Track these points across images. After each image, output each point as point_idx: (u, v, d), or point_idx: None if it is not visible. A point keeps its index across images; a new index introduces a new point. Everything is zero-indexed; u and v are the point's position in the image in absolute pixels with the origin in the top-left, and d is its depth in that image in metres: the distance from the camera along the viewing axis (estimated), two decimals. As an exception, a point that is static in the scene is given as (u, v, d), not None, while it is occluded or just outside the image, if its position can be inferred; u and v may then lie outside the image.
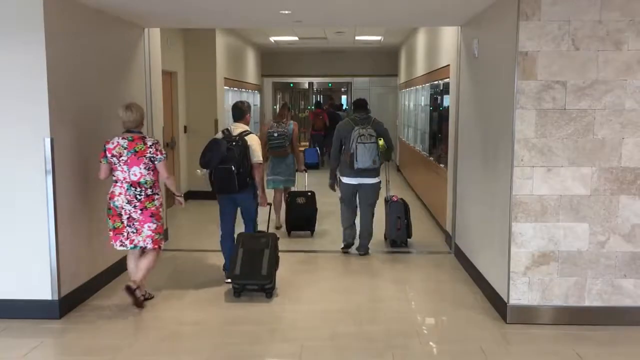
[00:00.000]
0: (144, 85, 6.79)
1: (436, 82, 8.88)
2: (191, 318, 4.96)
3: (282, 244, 5.83)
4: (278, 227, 7.93)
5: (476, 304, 5.24)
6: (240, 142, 5.52)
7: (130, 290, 4.95)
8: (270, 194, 6.51)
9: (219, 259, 6.13)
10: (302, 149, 8.43)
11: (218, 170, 5.47)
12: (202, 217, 8.72)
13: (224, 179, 5.46)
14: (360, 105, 6.86)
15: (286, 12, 6.00)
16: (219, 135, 5.70)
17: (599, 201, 4.60)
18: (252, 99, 14.29)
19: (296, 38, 12.31)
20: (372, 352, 4.31)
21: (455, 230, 6.83)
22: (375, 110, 14.44)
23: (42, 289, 4.80)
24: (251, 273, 5.32)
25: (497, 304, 4.98)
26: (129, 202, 4.90)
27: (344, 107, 19.38)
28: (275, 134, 7.67)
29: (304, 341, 4.43)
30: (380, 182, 6.77)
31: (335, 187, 6.99)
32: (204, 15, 6.35)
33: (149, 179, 4.94)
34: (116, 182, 4.94)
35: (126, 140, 4.90)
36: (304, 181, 8.37)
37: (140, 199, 4.91)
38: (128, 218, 4.93)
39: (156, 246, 5.04)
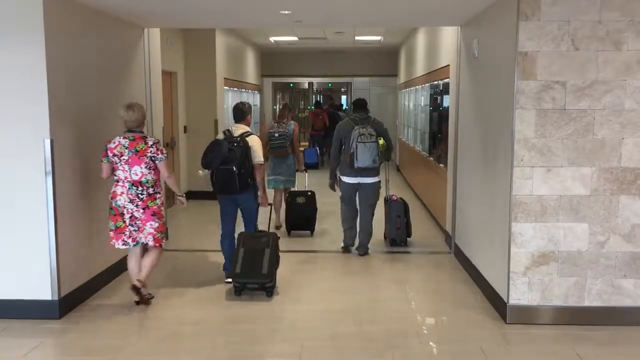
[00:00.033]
0: (143, 86, 6.79)
1: (436, 82, 8.88)
2: (191, 318, 4.96)
3: (282, 243, 5.84)
4: (278, 227, 7.93)
5: (476, 304, 5.24)
6: (242, 143, 5.55)
7: (136, 290, 5.02)
8: (270, 193, 6.53)
9: (219, 259, 6.14)
10: (302, 149, 8.44)
11: (219, 171, 5.49)
12: (202, 217, 8.72)
13: (225, 179, 5.48)
14: (359, 105, 6.89)
15: (286, 12, 6.01)
16: (220, 136, 5.73)
17: (598, 201, 4.60)
18: (252, 99, 14.29)
19: (296, 38, 12.31)
20: (372, 352, 4.31)
21: (455, 230, 6.84)
22: (375, 111, 14.51)
23: (42, 289, 4.80)
24: (252, 272, 5.35)
25: (497, 304, 4.98)
26: (131, 201, 4.91)
27: (343, 107, 19.39)
28: (276, 134, 7.69)
29: (304, 341, 4.43)
30: (379, 181, 6.79)
31: (336, 187, 7.00)
32: (204, 15, 6.35)
33: (150, 178, 4.96)
34: (118, 181, 4.95)
35: (127, 140, 4.92)
36: (304, 181, 8.38)
37: (142, 198, 4.93)
38: (130, 217, 4.94)
39: (157, 244, 5.06)
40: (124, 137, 4.94)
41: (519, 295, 4.70)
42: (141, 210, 4.94)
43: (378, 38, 12.44)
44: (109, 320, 4.87)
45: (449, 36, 7.41)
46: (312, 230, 7.82)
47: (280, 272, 5.70)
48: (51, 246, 4.76)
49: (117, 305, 5.16)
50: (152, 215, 4.98)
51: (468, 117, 6.30)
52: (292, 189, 8.04)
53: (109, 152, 4.91)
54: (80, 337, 4.56)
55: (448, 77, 7.51)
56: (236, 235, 5.73)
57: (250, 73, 14.12)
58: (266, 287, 5.37)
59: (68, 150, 4.99)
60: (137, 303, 5.12)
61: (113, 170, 4.96)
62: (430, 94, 9.54)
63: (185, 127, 10.13)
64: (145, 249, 5.18)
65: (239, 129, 5.73)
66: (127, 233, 4.97)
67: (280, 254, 5.66)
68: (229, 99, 11.62)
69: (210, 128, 10.12)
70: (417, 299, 5.58)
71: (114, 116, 5.81)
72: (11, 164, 4.73)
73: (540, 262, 4.67)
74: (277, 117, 8.34)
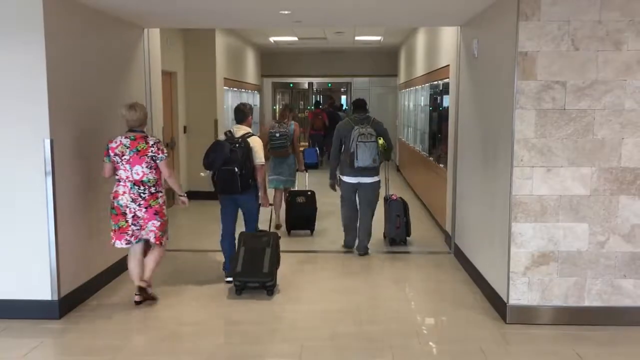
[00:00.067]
0: (143, 86, 6.79)
1: (436, 83, 8.88)
2: (191, 318, 4.96)
3: (282, 243, 5.85)
4: (278, 227, 7.94)
5: (476, 304, 5.24)
6: (243, 144, 5.58)
7: (142, 290, 5.14)
8: (270, 193, 6.55)
9: (219, 259, 6.14)
10: (302, 149, 8.48)
11: (221, 171, 5.52)
12: (202, 217, 8.72)
13: (227, 180, 5.51)
14: (359, 105, 6.93)
15: (286, 12, 6.01)
16: (222, 137, 5.76)
17: (598, 201, 4.60)
18: (252, 99, 14.30)
19: (296, 38, 12.31)
20: (372, 352, 4.31)
21: (454, 230, 6.84)
22: (374, 111, 14.51)
23: (42, 289, 4.80)
24: (253, 271, 5.38)
25: (497, 304, 4.98)
26: (133, 201, 4.93)
27: (343, 107, 19.40)
28: (277, 134, 7.72)
29: (304, 341, 4.43)
30: (379, 181, 6.81)
31: (336, 186, 7.02)
32: (204, 15, 6.35)
33: (151, 178, 4.97)
34: (119, 181, 4.96)
35: (129, 140, 4.93)
36: (304, 181, 8.40)
37: (144, 197, 4.94)
38: (133, 216, 4.96)
39: (158, 242, 5.09)
40: (126, 137, 4.96)
41: (518, 295, 4.71)
42: (143, 210, 4.95)
43: (378, 38, 12.44)
44: (109, 320, 4.87)
45: (449, 36, 7.41)
46: (312, 229, 7.83)
47: (281, 272, 5.71)
48: (51, 246, 4.76)
49: (117, 305, 5.17)
50: (155, 214, 5.00)
51: (468, 117, 6.30)
52: (292, 189, 8.06)
53: (110, 151, 4.92)
54: (80, 337, 4.56)
55: (448, 77, 7.52)
56: (236, 235, 5.75)
57: (250, 73, 14.12)
58: (267, 286, 5.39)
59: (68, 150, 4.99)
60: (137, 303, 5.13)
61: (115, 169, 4.97)
62: (430, 94, 9.54)
63: (185, 127, 10.13)
64: (146, 249, 5.20)
65: (240, 130, 5.75)
66: (130, 232, 4.99)
67: (280, 253, 5.66)
68: (229, 99, 11.62)
69: (210, 128, 10.12)
70: (417, 299, 5.58)
71: (114, 116, 5.82)
72: (11, 164, 4.73)
73: (540, 262, 4.67)
74: (278, 117, 8.36)
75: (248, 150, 5.57)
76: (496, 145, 5.09)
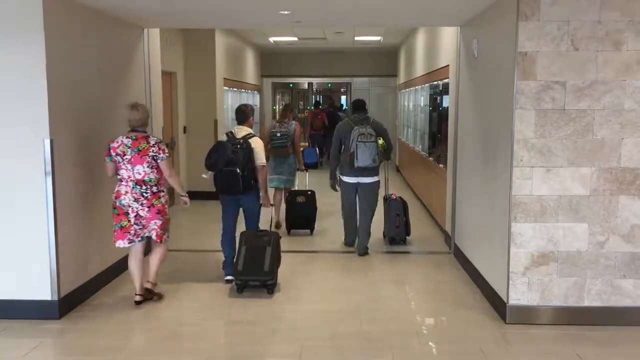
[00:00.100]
0: (143, 86, 6.79)
1: (436, 83, 8.89)
2: (191, 318, 4.96)
3: (282, 243, 5.85)
4: (278, 226, 7.96)
5: (475, 304, 5.25)
6: (245, 145, 5.61)
7: (149, 291, 5.23)
8: (270, 192, 6.57)
9: (218, 259, 6.14)
10: (302, 149, 8.52)
11: (223, 172, 5.55)
12: (202, 217, 8.72)
13: (229, 181, 5.54)
14: (359, 106, 6.97)
15: (286, 12, 6.01)
16: (223, 137, 5.78)
17: (598, 201, 4.61)
18: (252, 99, 14.30)
19: (295, 38, 12.32)
20: (372, 352, 4.32)
21: (454, 230, 6.84)
22: (374, 111, 14.53)
23: (42, 289, 4.80)
24: (254, 269, 5.41)
25: (497, 304, 4.99)
26: (136, 200, 4.95)
27: (343, 108, 19.40)
28: (278, 134, 7.76)
29: (304, 341, 4.43)
30: (379, 181, 6.83)
31: (336, 187, 7.04)
32: (204, 16, 6.35)
33: (153, 177, 4.99)
34: (121, 180, 4.98)
35: (130, 139, 4.95)
36: (304, 180, 8.41)
37: (147, 197, 4.96)
38: (135, 216, 4.98)
39: (159, 240, 5.12)
40: (127, 137, 4.98)
41: (518, 295, 4.71)
42: (146, 209, 4.98)
43: (378, 38, 12.44)
44: (109, 320, 4.87)
45: (449, 36, 7.41)
46: (311, 229, 7.85)
47: (281, 272, 5.72)
48: (51, 246, 4.76)
49: (117, 305, 5.17)
50: (157, 213, 5.03)
51: (468, 117, 6.30)
52: (293, 189, 8.08)
53: (111, 151, 4.94)
54: (80, 337, 4.56)
55: (448, 78, 7.52)
56: (237, 235, 5.77)
57: (250, 73, 14.12)
58: (267, 285, 5.42)
59: (68, 150, 4.99)
60: (137, 303, 5.13)
61: (116, 169, 4.98)
62: (430, 94, 9.55)
63: (185, 128, 10.14)
64: (146, 248, 5.21)
65: (241, 131, 5.78)
66: (133, 231, 5.00)
67: (281, 253, 5.68)
68: (229, 99, 11.62)
69: (210, 128, 10.12)
70: (417, 299, 5.58)
71: (113, 116, 5.83)
72: (11, 164, 4.73)
73: (540, 262, 4.68)
74: (278, 117, 8.40)
75: (249, 151, 5.60)
76: (496, 146, 5.09)
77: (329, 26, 10.28)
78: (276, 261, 5.56)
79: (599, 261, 4.65)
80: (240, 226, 5.92)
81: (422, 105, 10.57)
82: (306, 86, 20.76)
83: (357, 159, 6.50)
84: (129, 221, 4.98)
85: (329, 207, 8.59)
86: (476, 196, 5.85)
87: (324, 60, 15.81)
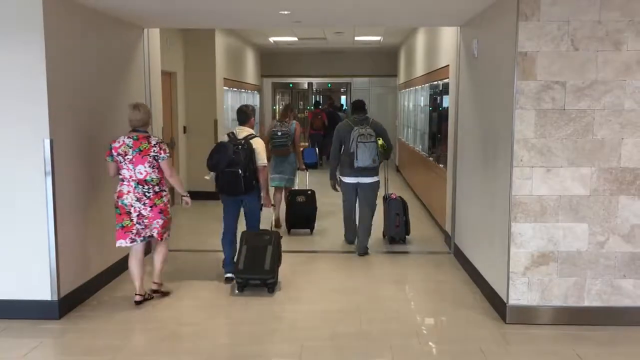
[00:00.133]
0: (143, 86, 6.79)
1: (435, 83, 8.89)
2: (191, 318, 4.96)
3: (283, 243, 5.86)
4: (278, 225, 7.98)
5: (475, 304, 5.25)
6: (246, 145, 5.63)
7: (155, 292, 5.32)
8: (270, 191, 6.60)
9: (219, 259, 6.14)
10: (301, 149, 8.56)
11: (225, 173, 5.57)
12: (202, 217, 8.72)
13: (230, 182, 5.57)
14: (358, 106, 7.01)
15: (286, 12, 6.01)
16: (225, 138, 5.79)
17: (598, 201, 4.60)
18: (252, 99, 14.30)
19: (295, 38, 12.32)
20: (372, 352, 4.32)
21: (454, 230, 6.84)
22: (374, 111, 14.54)
23: (42, 289, 4.80)
24: (254, 268, 5.43)
25: (497, 304, 4.99)
26: (138, 200, 4.96)
27: (343, 108, 19.41)
28: (279, 133, 7.82)
29: (304, 341, 4.43)
30: (378, 181, 6.86)
31: (337, 187, 7.06)
32: (204, 16, 6.35)
33: (154, 177, 5.01)
34: (123, 180, 4.99)
35: (131, 139, 4.98)
36: (304, 180, 8.42)
37: (149, 196, 4.98)
38: (138, 215, 4.99)
39: (160, 238, 5.16)
40: (128, 137, 4.99)
41: (518, 295, 4.71)
42: (149, 209, 5.00)
43: (377, 38, 12.44)
44: (109, 320, 4.87)
45: (449, 36, 7.41)
46: (311, 228, 7.86)
47: (281, 272, 5.72)
48: (51, 246, 4.76)
49: (117, 306, 5.17)
50: (159, 212, 5.06)
51: (468, 117, 6.31)
52: (293, 188, 8.10)
53: (113, 151, 4.96)
54: (80, 337, 4.56)
55: (448, 78, 7.52)
56: (238, 234, 5.80)
57: (250, 73, 14.12)
58: (268, 283, 5.44)
59: (68, 150, 4.99)
60: (137, 303, 5.13)
61: (118, 169, 4.99)
62: (430, 94, 9.55)
63: (184, 128, 10.14)
64: (146, 248, 5.22)
65: (243, 132, 5.80)
66: (135, 231, 5.02)
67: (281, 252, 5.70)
68: (229, 99, 11.62)
69: (209, 128, 10.12)
70: (417, 299, 5.58)
71: (113, 116, 5.83)
72: (11, 164, 4.73)
73: (540, 262, 4.68)
74: (279, 116, 8.46)
75: (251, 152, 5.62)
76: (496, 146, 5.09)
77: (329, 26, 10.28)
78: (277, 260, 5.59)
79: (599, 261, 4.65)
80: (241, 226, 5.92)
81: (422, 105, 10.57)
82: (306, 86, 20.76)
83: (357, 159, 6.54)
84: (131, 220, 4.99)
85: (329, 206, 8.60)
86: (476, 196, 5.85)
87: (324, 60, 15.82)
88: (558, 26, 4.48)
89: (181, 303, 5.29)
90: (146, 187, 4.98)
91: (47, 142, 4.67)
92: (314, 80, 19.93)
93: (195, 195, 9.99)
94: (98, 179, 5.45)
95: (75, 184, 5.12)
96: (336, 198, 7.17)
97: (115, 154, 4.95)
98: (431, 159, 9.14)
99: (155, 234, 5.12)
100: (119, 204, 4.98)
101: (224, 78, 10.99)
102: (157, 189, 5.04)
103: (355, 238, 7.01)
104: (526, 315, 4.72)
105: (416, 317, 5.07)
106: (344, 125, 6.84)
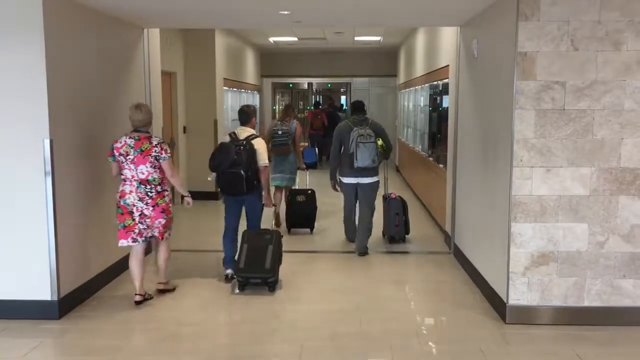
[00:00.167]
0: (143, 86, 6.79)
1: (435, 83, 8.89)
2: (191, 318, 4.96)
3: (283, 242, 5.87)
4: (277, 224, 7.99)
5: (475, 304, 5.25)
6: (248, 146, 5.65)
7: (160, 291, 5.39)
8: (271, 190, 6.62)
9: (219, 259, 6.14)
10: (301, 148, 8.61)
11: (227, 174, 5.59)
12: (202, 216, 8.72)
13: (233, 182, 5.60)
14: (358, 107, 7.04)
15: (285, 12, 6.01)
16: (227, 138, 5.81)
17: (598, 201, 4.61)
18: (252, 99, 14.30)
19: (295, 38, 12.32)
20: (372, 352, 4.32)
21: (454, 230, 6.84)
22: (374, 111, 14.52)
23: (42, 289, 4.80)
24: (255, 267, 5.46)
25: (497, 304, 4.99)
26: (140, 200, 4.98)
27: (343, 108, 19.41)
28: (280, 132, 7.86)
29: (304, 341, 4.43)
30: (378, 181, 6.88)
31: (337, 187, 7.08)
32: (204, 16, 6.35)
33: (156, 177, 5.03)
34: (125, 180, 5.01)
35: (133, 140, 5.00)
36: (304, 179, 8.43)
37: (151, 196, 5.01)
38: (140, 215, 5.01)
39: (161, 237, 5.19)
40: (130, 137, 5.01)
41: (518, 295, 4.71)
42: (151, 208, 5.02)
43: (377, 38, 12.44)
44: (109, 320, 4.87)
45: (449, 36, 7.41)
46: (311, 228, 7.87)
47: (281, 272, 5.73)
48: (51, 246, 4.76)
49: (117, 306, 5.17)
50: (162, 212, 5.09)
51: (467, 117, 6.31)
52: (293, 187, 8.13)
53: (115, 151, 4.98)
54: (80, 337, 4.56)
55: (447, 78, 7.52)
56: (239, 233, 5.83)
57: (250, 73, 14.12)
58: (269, 282, 5.46)
59: (68, 150, 4.99)
60: (137, 303, 5.13)
61: (120, 169, 5.02)
62: (430, 94, 9.55)
63: (184, 128, 10.14)
64: (146, 249, 5.23)
65: (244, 132, 5.83)
66: (137, 230, 5.03)
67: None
68: (229, 99, 11.62)
69: (209, 128, 10.13)
70: (417, 299, 5.58)
71: (113, 116, 5.83)
72: (11, 164, 4.73)
73: (540, 263, 4.68)
74: (280, 115, 8.52)
75: (252, 152, 5.64)
76: (496, 146, 5.09)
77: (329, 26, 10.28)
78: (277, 259, 5.61)
79: (598, 261, 4.65)
80: (242, 226, 5.93)
81: (422, 105, 10.57)
82: (306, 86, 20.75)
83: (356, 159, 6.56)
84: (133, 220, 5.01)
85: (329, 206, 8.60)
86: (476, 196, 5.85)
87: (323, 60, 15.82)
88: (558, 26, 4.48)
89: (181, 303, 5.29)
90: (148, 187, 5.00)
91: (47, 142, 4.67)
92: (314, 80, 19.92)
93: (195, 195, 9.98)
94: (98, 178, 5.46)
95: (75, 184, 5.12)
96: (336, 198, 7.18)
97: (117, 154, 4.97)
98: (431, 159, 9.14)
99: (156, 234, 5.14)
100: (121, 203, 4.99)
101: (224, 78, 10.99)
102: (159, 188, 5.06)
103: (356, 236, 7.01)
104: (526, 315, 4.72)
105: (416, 317, 5.07)
106: (344, 126, 6.86)
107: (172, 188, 5.46)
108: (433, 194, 8.75)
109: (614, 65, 4.49)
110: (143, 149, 4.97)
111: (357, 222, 7.03)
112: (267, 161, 5.79)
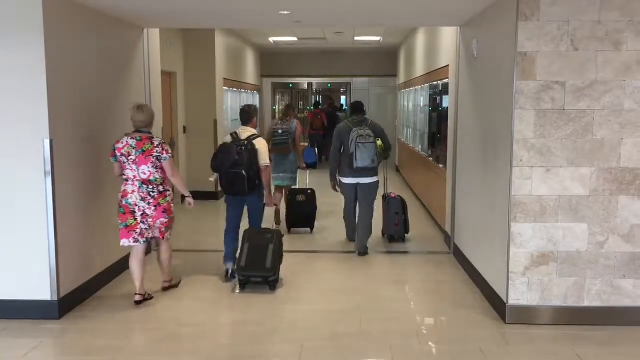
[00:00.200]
0: (143, 86, 6.79)
1: (435, 83, 8.89)
2: (191, 318, 4.96)
3: (283, 242, 5.87)
4: (277, 223, 8.00)
5: (475, 304, 5.25)
6: (249, 146, 5.67)
7: (165, 289, 5.48)
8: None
9: (219, 259, 6.14)
10: (302, 148, 8.63)
11: (229, 174, 5.62)
12: (202, 216, 8.72)
13: (234, 182, 5.63)
14: (357, 108, 7.07)
15: (285, 12, 6.01)
16: (228, 138, 5.82)
17: (598, 201, 4.61)
18: (252, 99, 14.30)
19: (295, 38, 12.32)
20: (372, 352, 4.32)
21: (454, 230, 6.84)
22: (374, 111, 14.55)
23: (42, 289, 4.80)
24: (256, 266, 5.48)
25: (497, 304, 4.99)
26: (143, 199, 5.00)
27: (343, 108, 19.42)
28: (280, 131, 7.91)
29: (304, 341, 4.43)
30: (378, 181, 6.89)
31: (337, 187, 7.09)
32: (204, 16, 6.35)
33: (158, 177, 5.05)
34: (127, 180, 5.03)
35: (134, 140, 5.01)
36: (305, 179, 8.44)
37: (154, 196, 5.03)
38: (142, 215, 5.02)
39: (162, 237, 5.22)
40: (132, 138, 5.03)
41: (518, 295, 4.71)
42: (153, 208, 5.04)
43: (377, 38, 12.44)
44: (109, 320, 4.87)
45: (449, 36, 7.41)
46: (311, 227, 7.88)
47: (281, 272, 5.72)
48: (51, 246, 4.76)
49: (117, 306, 5.17)
50: (163, 212, 5.11)
51: (467, 117, 6.31)
52: (293, 187, 8.14)
53: (116, 151, 4.99)
54: (80, 337, 4.56)
55: (447, 78, 7.52)
56: (240, 232, 5.85)
57: (250, 73, 14.12)
58: (269, 281, 5.48)
59: (68, 150, 4.99)
60: (137, 303, 5.14)
61: (122, 169, 5.03)
62: (430, 94, 9.55)
63: (184, 128, 10.14)
64: (147, 249, 5.24)
65: (245, 132, 5.84)
66: (139, 230, 5.05)
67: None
68: (229, 99, 11.62)
69: (209, 128, 10.13)
70: (417, 299, 5.58)
71: (113, 116, 5.83)
72: (11, 164, 4.73)
73: (540, 263, 4.68)
74: (281, 115, 8.56)
75: (254, 152, 5.67)
76: (495, 146, 5.09)
77: (329, 26, 10.29)
78: (278, 258, 5.64)
79: (598, 261, 4.65)
80: (242, 226, 5.94)
81: (421, 105, 10.57)
82: (306, 86, 20.75)
83: (356, 159, 6.57)
84: (135, 220, 5.02)
85: (329, 206, 8.60)
86: (476, 196, 5.85)
87: (323, 60, 15.82)
88: (558, 26, 4.48)
89: (181, 303, 5.29)
90: (150, 187, 5.02)
91: (47, 142, 4.67)
92: (314, 81, 19.92)
93: (195, 195, 9.99)
94: (98, 178, 5.46)
95: (75, 184, 5.12)
96: (336, 198, 7.18)
97: (118, 154, 4.99)
98: (431, 159, 9.15)
99: (157, 234, 5.17)
100: (123, 203, 5.00)
101: (224, 78, 10.99)
102: (161, 188, 5.08)
103: (356, 236, 7.02)
104: (526, 315, 4.72)
105: (416, 317, 5.07)
106: (343, 127, 6.88)
107: (174, 188, 5.46)
108: (433, 194, 8.75)
109: (614, 65, 4.49)
110: (145, 149, 4.98)
111: (357, 222, 7.03)
112: (268, 161, 5.81)
